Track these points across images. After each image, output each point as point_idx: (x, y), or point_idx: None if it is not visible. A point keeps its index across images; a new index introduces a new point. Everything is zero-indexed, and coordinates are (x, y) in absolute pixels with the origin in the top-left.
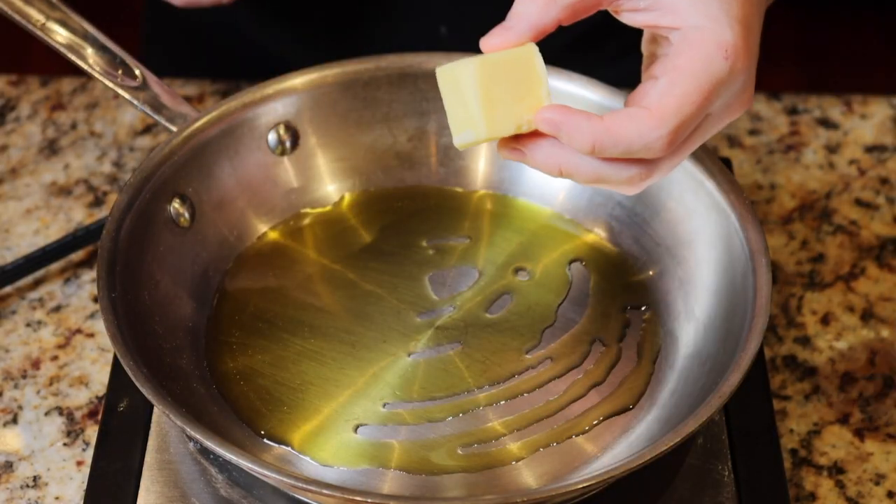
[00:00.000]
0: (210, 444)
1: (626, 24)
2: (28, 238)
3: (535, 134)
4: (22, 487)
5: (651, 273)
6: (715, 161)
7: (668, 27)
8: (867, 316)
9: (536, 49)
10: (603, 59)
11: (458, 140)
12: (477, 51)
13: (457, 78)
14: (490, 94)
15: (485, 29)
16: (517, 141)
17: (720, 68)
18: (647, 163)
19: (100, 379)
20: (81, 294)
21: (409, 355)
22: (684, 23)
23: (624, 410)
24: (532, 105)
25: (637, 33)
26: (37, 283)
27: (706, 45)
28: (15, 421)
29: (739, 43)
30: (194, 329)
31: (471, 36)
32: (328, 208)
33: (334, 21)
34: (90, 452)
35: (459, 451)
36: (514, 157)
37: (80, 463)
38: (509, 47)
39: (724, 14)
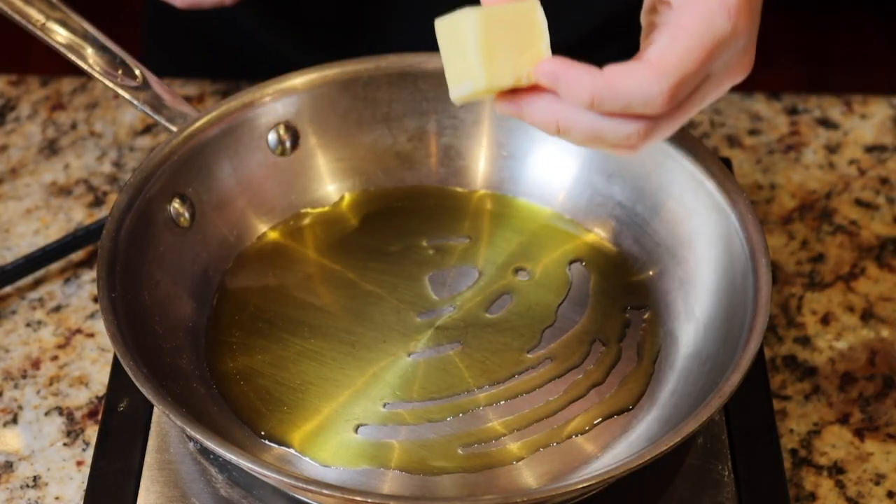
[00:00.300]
0: (210, 444)
1: None
2: (28, 238)
3: (533, 89)
4: (22, 487)
5: (651, 273)
6: (715, 161)
7: None
8: (867, 316)
9: (538, 2)
10: (606, 61)
11: (456, 92)
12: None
13: (457, 28)
14: (490, 45)
15: None
16: (515, 95)
17: (723, 26)
18: (646, 120)
19: (100, 379)
20: (81, 294)
21: (409, 355)
22: None
23: (624, 410)
24: (532, 58)
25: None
26: (37, 283)
27: (709, 3)
28: (15, 421)
29: (742, 3)
30: (194, 329)
31: None
32: (328, 208)
33: (335, 22)
34: (90, 452)
35: (459, 451)
36: (512, 112)
37: (80, 463)
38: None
39: None
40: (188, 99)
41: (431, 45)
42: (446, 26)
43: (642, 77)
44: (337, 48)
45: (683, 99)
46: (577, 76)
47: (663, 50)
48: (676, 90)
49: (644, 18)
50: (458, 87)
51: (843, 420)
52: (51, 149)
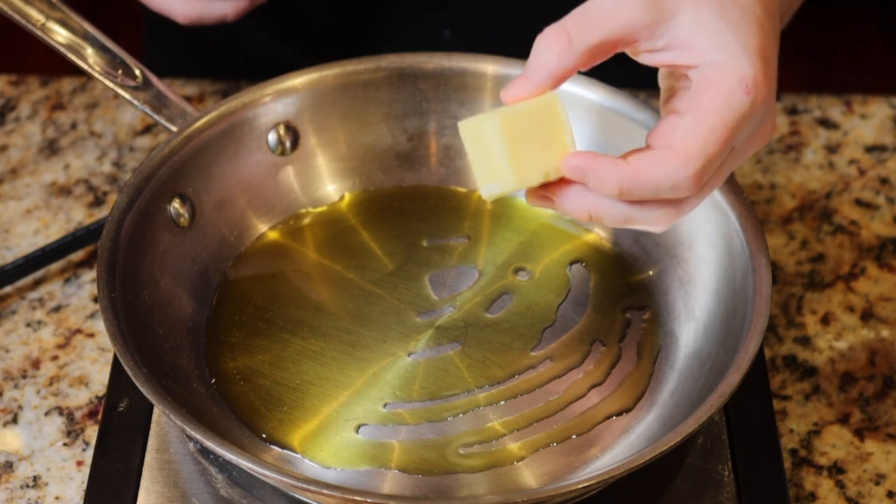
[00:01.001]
0: (210, 444)
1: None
2: (28, 238)
3: (562, 181)
4: (22, 487)
5: (651, 273)
6: None
7: (686, 65)
8: (867, 316)
9: (557, 97)
10: (606, 72)
11: (487, 192)
12: (480, 51)
13: (480, 131)
14: (516, 145)
15: (488, 33)
16: (545, 189)
17: (742, 103)
18: (674, 202)
19: (100, 379)
20: (81, 294)
21: (409, 355)
22: (702, 60)
23: (624, 411)
24: (558, 152)
25: None
26: (37, 283)
27: (727, 81)
28: (15, 421)
29: (759, 76)
30: (194, 329)
31: (474, 40)
32: (328, 208)
33: (335, 23)
34: (90, 452)
35: (460, 451)
36: (544, 205)
37: (80, 463)
38: (530, 97)
39: (742, 49)
40: (188, 99)
41: (431, 46)
42: (470, 129)
43: (668, 165)
44: (337, 49)
45: (709, 177)
46: (605, 169)
47: (686, 134)
48: (702, 174)
49: (662, 83)
50: (489, 187)
51: (843, 420)
52: (51, 149)
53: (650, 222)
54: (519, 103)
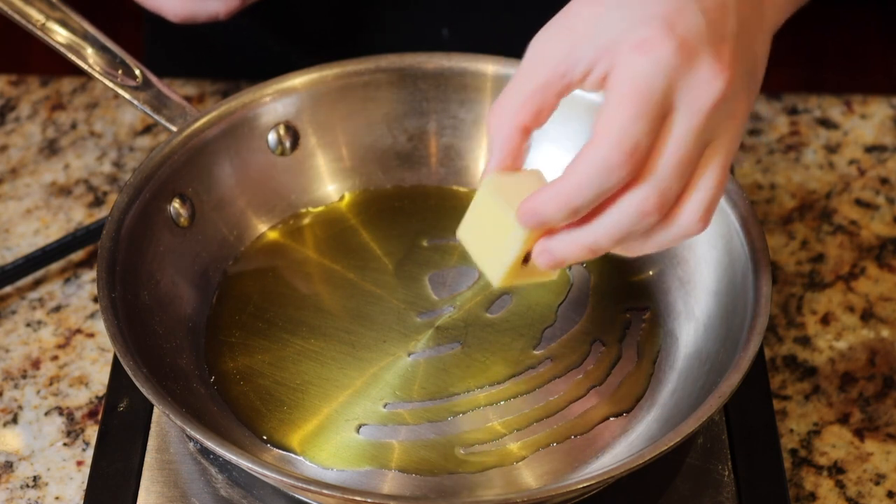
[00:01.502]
0: (210, 445)
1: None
2: (28, 238)
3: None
4: (22, 487)
5: (651, 273)
6: None
7: (605, 72)
8: (867, 316)
9: (489, 182)
10: None
11: (495, 281)
12: (478, 50)
13: (468, 229)
14: (480, 244)
15: (486, 31)
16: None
17: (642, 65)
18: (640, 190)
19: (100, 379)
20: (81, 294)
21: (409, 355)
22: (608, 53)
23: (624, 411)
24: (509, 227)
25: None
26: (37, 283)
27: (622, 53)
28: (15, 421)
29: (654, 34)
30: (194, 329)
31: (472, 39)
32: (328, 208)
33: (335, 25)
34: (90, 452)
35: (460, 451)
36: (552, 266)
37: (80, 463)
38: (500, 170)
39: (633, 21)
40: (188, 99)
41: (429, 44)
42: (465, 232)
43: (593, 152)
44: (337, 51)
45: (654, 143)
46: (543, 197)
47: (601, 117)
48: (633, 147)
49: None
50: (493, 276)
51: (843, 420)
52: (51, 149)
53: (645, 223)
54: (471, 208)
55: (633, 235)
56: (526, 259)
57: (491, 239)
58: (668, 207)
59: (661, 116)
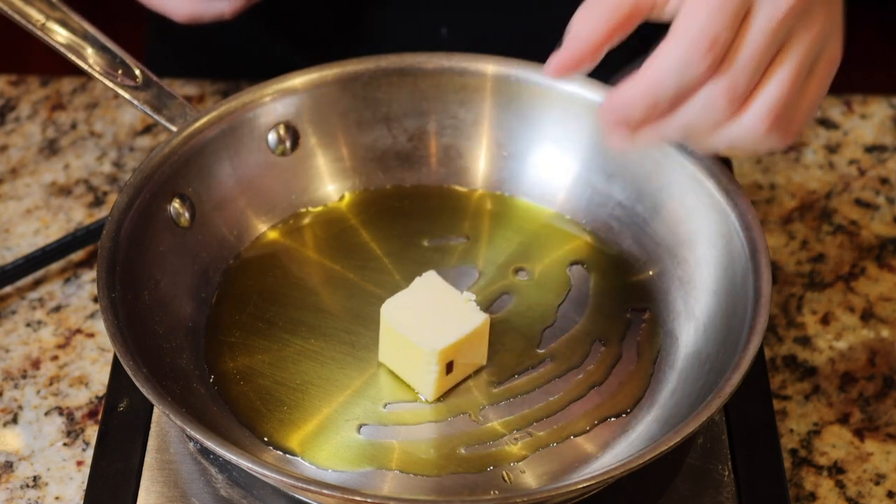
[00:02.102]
0: (210, 445)
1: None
2: (28, 238)
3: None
4: (22, 487)
5: (651, 273)
6: (715, 161)
7: None
8: (867, 316)
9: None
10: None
11: (429, 396)
12: (478, 49)
13: (387, 355)
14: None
15: (485, 31)
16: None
17: None
18: (714, 84)
19: (100, 379)
20: (81, 294)
21: None
22: None
23: (624, 411)
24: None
25: (639, 37)
26: (37, 283)
27: None
28: (15, 421)
29: None
30: (194, 329)
31: (472, 38)
32: (328, 208)
33: (335, 23)
34: (90, 452)
35: (460, 452)
36: (618, 146)
37: (80, 463)
38: (572, 68)
39: None
40: (188, 99)
41: (431, 45)
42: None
43: (675, 46)
44: (337, 49)
45: (733, 40)
46: (621, 95)
47: (683, 13)
48: (713, 41)
49: None
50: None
51: (843, 420)
52: (51, 149)
53: (715, 117)
54: (381, 335)
55: (701, 129)
56: (449, 368)
57: (409, 361)
58: (738, 103)
59: (741, 13)
